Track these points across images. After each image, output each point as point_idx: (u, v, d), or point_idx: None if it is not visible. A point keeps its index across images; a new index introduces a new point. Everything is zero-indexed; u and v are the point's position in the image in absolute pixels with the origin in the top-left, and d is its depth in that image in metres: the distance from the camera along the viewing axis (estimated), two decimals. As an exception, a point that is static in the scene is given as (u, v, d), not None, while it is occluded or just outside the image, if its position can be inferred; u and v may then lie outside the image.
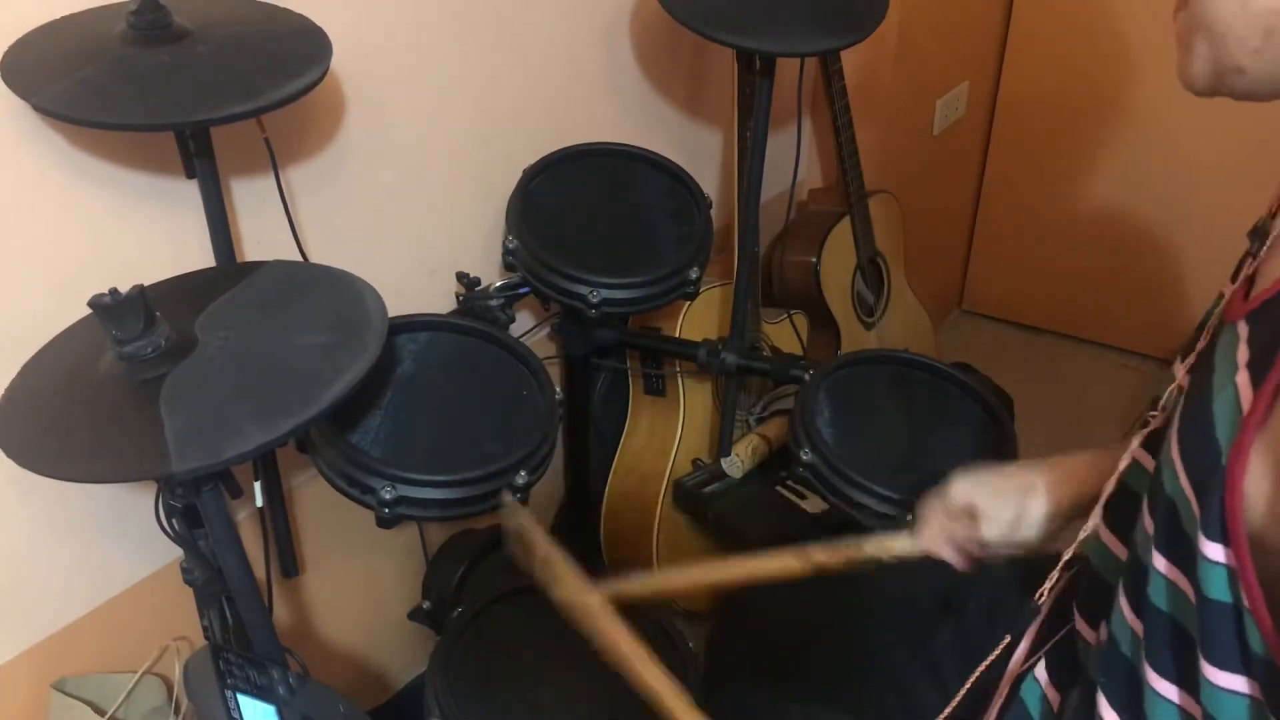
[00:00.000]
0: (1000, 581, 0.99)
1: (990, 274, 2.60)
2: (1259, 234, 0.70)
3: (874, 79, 1.97)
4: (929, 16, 1.99)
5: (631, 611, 1.26)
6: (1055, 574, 0.80)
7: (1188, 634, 0.65)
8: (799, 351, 1.77)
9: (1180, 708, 0.67)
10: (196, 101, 0.91)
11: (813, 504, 1.59)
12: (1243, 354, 0.60)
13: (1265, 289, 0.61)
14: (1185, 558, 0.64)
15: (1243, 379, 0.59)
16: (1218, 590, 0.60)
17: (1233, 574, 0.59)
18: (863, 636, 1.05)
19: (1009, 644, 0.84)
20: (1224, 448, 0.59)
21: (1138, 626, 0.70)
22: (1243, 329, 0.62)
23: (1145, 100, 2.21)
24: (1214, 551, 0.60)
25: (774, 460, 1.64)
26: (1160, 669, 0.68)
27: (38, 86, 0.89)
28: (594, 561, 1.71)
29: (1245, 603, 0.59)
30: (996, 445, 1.30)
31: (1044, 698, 0.85)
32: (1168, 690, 0.68)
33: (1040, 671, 0.86)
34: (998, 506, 0.91)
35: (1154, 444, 0.75)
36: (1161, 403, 0.76)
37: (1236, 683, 0.61)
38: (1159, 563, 0.67)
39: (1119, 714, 0.72)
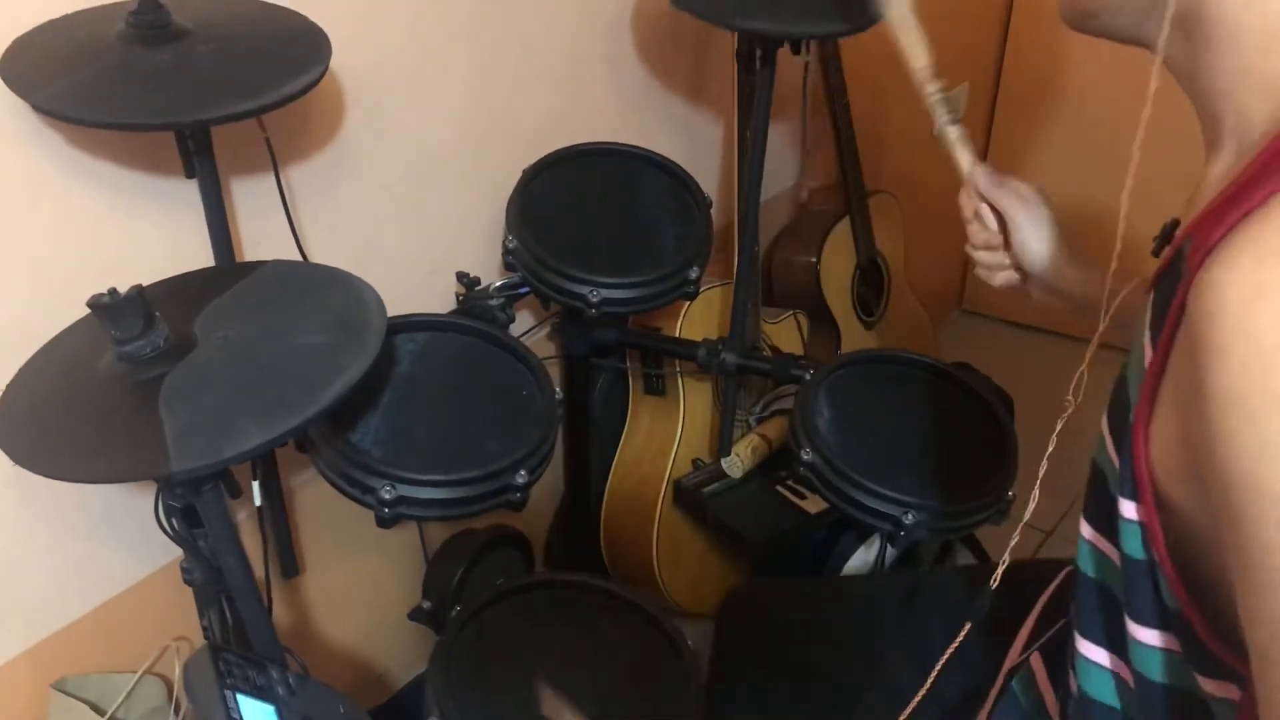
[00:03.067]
0: (1001, 598, 1.01)
1: (990, 274, 2.59)
2: (1167, 237, 0.75)
3: (874, 79, 1.97)
4: (929, 16, 1.99)
5: (630, 608, 1.27)
6: (1004, 561, 0.81)
7: (1114, 597, 0.69)
8: (799, 351, 1.77)
9: (1112, 671, 0.71)
10: (196, 101, 0.91)
11: (813, 504, 1.59)
12: (1148, 317, 0.64)
13: (1165, 257, 0.65)
14: (1108, 521, 0.67)
15: (1145, 339, 0.63)
16: (1133, 547, 0.64)
17: (1145, 530, 0.62)
18: (863, 648, 1.05)
19: (984, 632, 0.86)
20: (1132, 405, 0.63)
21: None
22: (1150, 296, 0.65)
23: (1146, 100, 2.21)
24: (1128, 509, 0.63)
25: (774, 460, 1.64)
26: (1090, 634, 0.72)
27: (37, 86, 0.89)
28: (594, 562, 1.72)
29: (1156, 557, 0.62)
30: (996, 445, 1.30)
31: (1035, 688, 0.86)
32: (1097, 655, 0.71)
33: (1036, 663, 0.87)
34: (1045, 206, 0.99)
35: None
36: (1072, 386, 0.79)
37: (1155, 637, 0.65)
38: (1085, 530, 0.71)
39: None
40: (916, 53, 1.04)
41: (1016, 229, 0.99)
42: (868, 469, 1.22)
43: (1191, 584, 0.61)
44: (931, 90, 1.02)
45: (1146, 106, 0.67)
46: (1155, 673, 0.65)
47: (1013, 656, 0.89)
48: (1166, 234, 0.75)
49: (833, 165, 1.90)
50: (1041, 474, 0.78)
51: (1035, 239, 0.98)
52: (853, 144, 1.81)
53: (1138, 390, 0.63)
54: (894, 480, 1.21)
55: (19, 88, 0.89)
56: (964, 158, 1.02)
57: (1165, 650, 0.64)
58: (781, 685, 1.06)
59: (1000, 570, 0.81)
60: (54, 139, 0.99)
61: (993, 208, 1.01)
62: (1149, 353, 0.62)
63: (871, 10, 1.10)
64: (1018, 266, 1.01)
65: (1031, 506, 0.78)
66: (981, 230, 1.02)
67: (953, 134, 1.02)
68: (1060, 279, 0.99)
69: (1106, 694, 0.71)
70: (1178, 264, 0.61)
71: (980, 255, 1.04)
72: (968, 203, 1.02)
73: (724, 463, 1.61)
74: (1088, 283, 0.96)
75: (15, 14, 0.93)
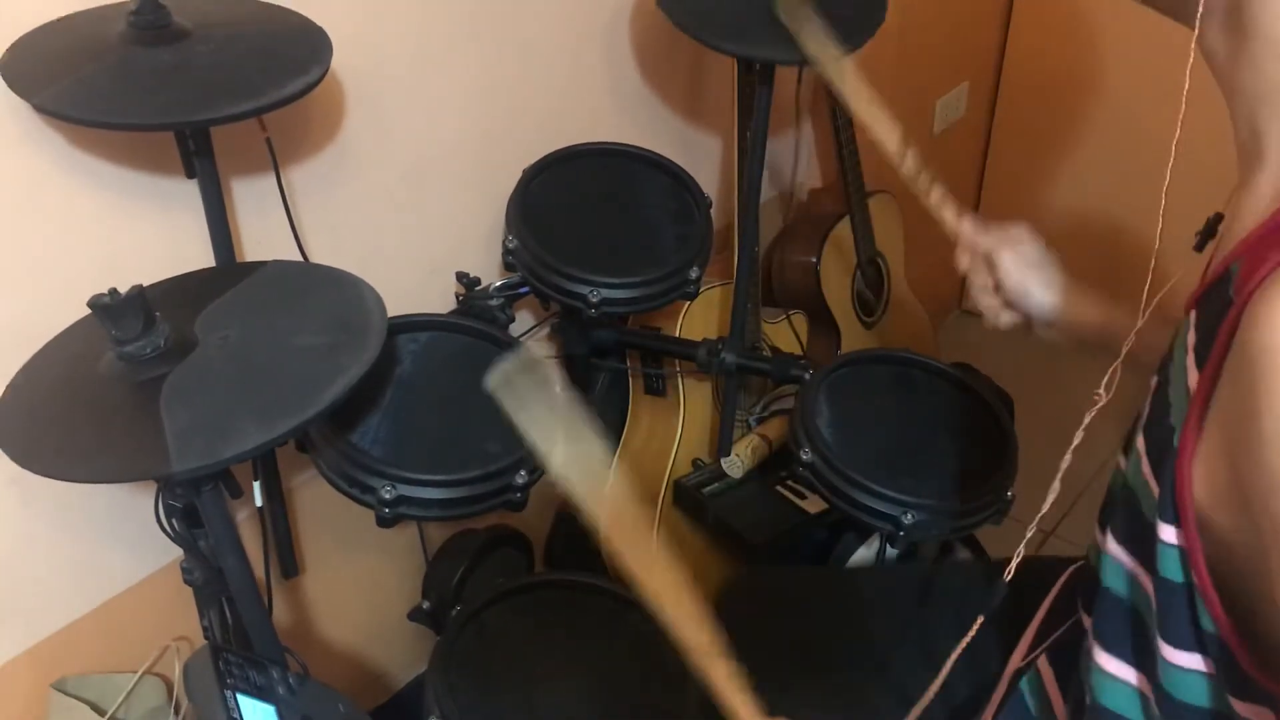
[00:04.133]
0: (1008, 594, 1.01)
1: (990, 274, 2.59)
2: (1209, 233, 0.71)
3: (874, 79, 1.96)
4: (929, 16, 1.99)
5: (631, 608, 1.27)
6: (1018, 553, 0.81)
7: (1142, 618, 0.68)
8: (799, 351, 1.77)
9: (1137, 689, 0.70)
10: (196, 101, 0.91)
11: (813, 504, 1.59)
12: (1190, 339, 0.62)
13: (1209, 277, 0.63)
14: (1143, 545, 0.66)
15: (1190, 362, 0.61)
16: (1172, 570, 0.63)
17: (1184, 554, 0.61)
18: (865, 638, 1.05)
19: (992, 631, 0.85)
20: (1176, 429, 0.61)
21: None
22: (1192, 316, 0.64)
23: (1147, 100, 2.21)
24: (1168, 533, 0.62)
25: (774, 460, 1.64)
26: (1114, 650, 0.71)
27: (38, 86, 0.89)
28: (593, 562, 1.72)
29: (1195, 581, 0.61)
30: (996, 445, 1.30)
31: (1043, 690, 0.86)
32: (1122, 671, 0.70)
33: (1044, 665, 0.87)
34: (1033, 246, 1.00)
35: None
36: (1104, 381, 0.79)
37: (1193, 661, 0.63)
38: (1115, 550, 0.70)
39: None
40: (888, 137, 1.08)
41: (1005, 272, 1.00)
42: (868, 469, 1.22)
43: (1230, 608, 0.60)
44: (908, 167, 1.07)
45: (1181, 107, 0.65)
46: (1189, 695, 0.64)
47: (1017, 658, 0.89)
48: (1210, 228, 0.73)
49: (833, 165, 1.89)
50: (1063, 469, 0.77)
51: (1023, 277, 1.00)
52: (853, 144, 1.81)
53: (1181, 414, 0.61)
54: (894, 480, 1.21)
55: (20, 88, 0.89)
56: (948, 216, 1.06)
57: (1199, 673, 0.63)
58: (782, 676, 1.05)
59: (1015, 562, 0.80)
60: (55, 139, 0.99)
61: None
62: (1193, 376, 0.60)
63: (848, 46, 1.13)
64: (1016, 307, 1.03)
65: (1051, 499, 0.78)
66: (979, 276, 1.04)
67: (934, 197, 1.07)
68: (1063, 314, 0.99)
69: (1129, 710, 0.71)
70: (1224, 286, 0.59)
71: (982, 301, 1.05)
72: (963, 256, 1.05)
73: (724, 463, 1.61)
74: (1104, 321, 0.97)
75: (16, 15, 0.93)
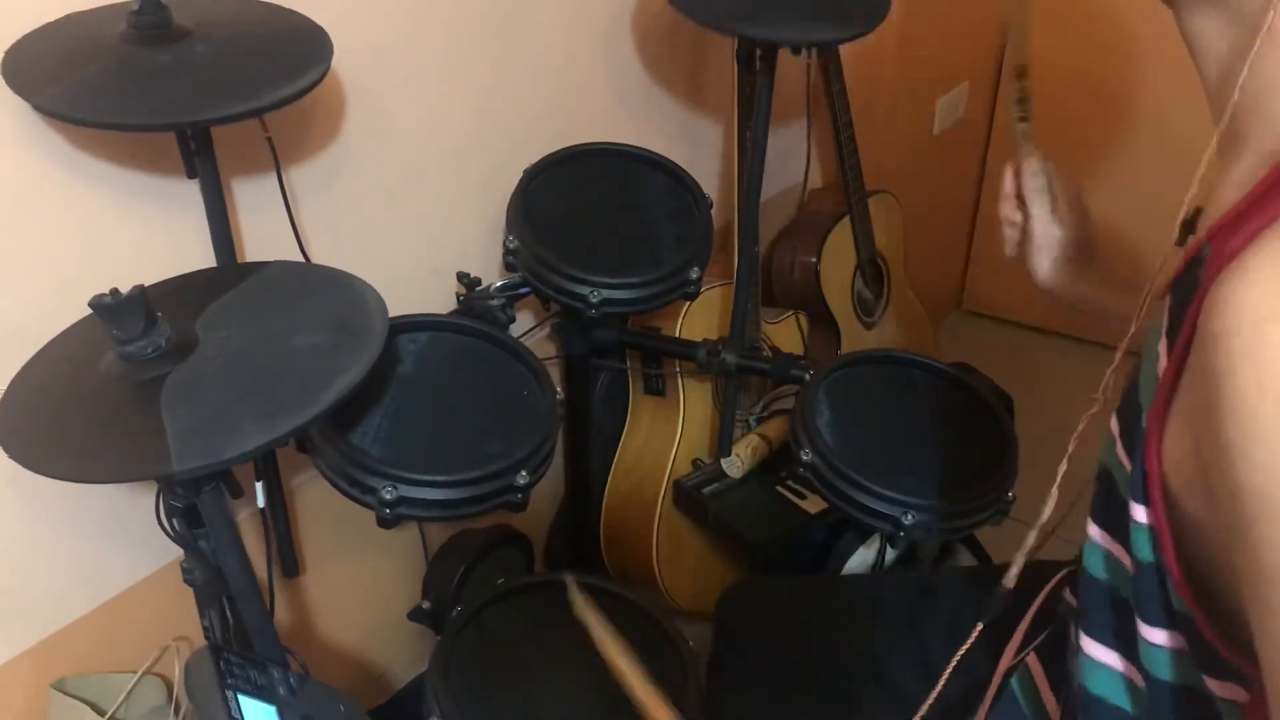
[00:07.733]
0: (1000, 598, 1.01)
1: (990, 274, 2.60)
2: (1191, 226, 0.72)
3: (874, 79, 1.96)
4: (930, 16, 1.99)
5: (630, 608, 1.27)
6: (1018, 560, 0.81)
7: (1126, 601, 0.68)
8: (799, 351, 1.77)
9: (1123, 674, 0.70)
10: (197, 101, 0.91)
11: (813, 504, 1.59)
12: (1163, 321, 0.63)
13: (1183, 260, 0.63)
14: (1119, 525, 0.66)
15: (1162, 345, 0.62)
16: (1143, 551, 0.63)
17: (1154, 534, 0.62)
18: (862, 645, 1.05)
19: (982, 631, 0.86)
20: (1144, 409, 0.62)
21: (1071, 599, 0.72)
22: (1166, 300, 0.64)
23: (1147, 99, 2.21)
24: (1139, 513, 0.63)
25: (774, 460, 1.64)
26: (1098, 636, 0.71)
27: (39, 86, 0.89)
28: (594, 562, 1.72)
29: (1163, 559, 0.61)
30: (996, 445, 1.30)
31: (1034, 687, 0.86)
32: (1106, 656, 0.71)
33: (1034, 663, 0.87)
34: (1067, 222, 1.03)
35: None
36: (1101, 386, 0.79)
37: (1165, 638, 0.64)
38: (1095, 533, 0.71)
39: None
40: (1014, 51, 1.08)
41: (1029, 237, 1.02)
42: (868, 469, 1.22)
43: (1200, 588, 0.60)
44: (1016, 88, 1.07)
45: (1226, 113, 0.63)
46: (1165, 673, 0.65)
47: (1007, 657, 0.89)
48: (1190, 225, 0.73)
49: (833, 165, 1.90)
50: (1061, 474, 0.77)
51: (1040, 254, 1.01)
52: (853, 144, 1.81)
53: (1150, 395, 0.61)
54: (894, 480, 1.21)
55: (21, 88, 0.89)
56: (1022, 150, 1.07)
57: (1174, 650, 0.64)
58: (781, 684, 1.06)
59: (1015, 571, 0.80)
60: (56, 140, 0.99)
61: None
62: (1164, 359, 0.61)
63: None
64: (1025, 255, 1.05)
65: (1049, 507, 0.77)
66: (1012, 211, 1.06)
67: (1017, 130, 1.08)
68: (1061, 293, 1.01)
69: (1115, 694, 0.71)
70: (1195, 270, 0.59)
71: (1005, 229, 1.08)
72: (1009, 180, 1.06)
73: (724, 463, 1.61)
74: (1103, 312, 0.98)
75: (17, 15, 0.93)
